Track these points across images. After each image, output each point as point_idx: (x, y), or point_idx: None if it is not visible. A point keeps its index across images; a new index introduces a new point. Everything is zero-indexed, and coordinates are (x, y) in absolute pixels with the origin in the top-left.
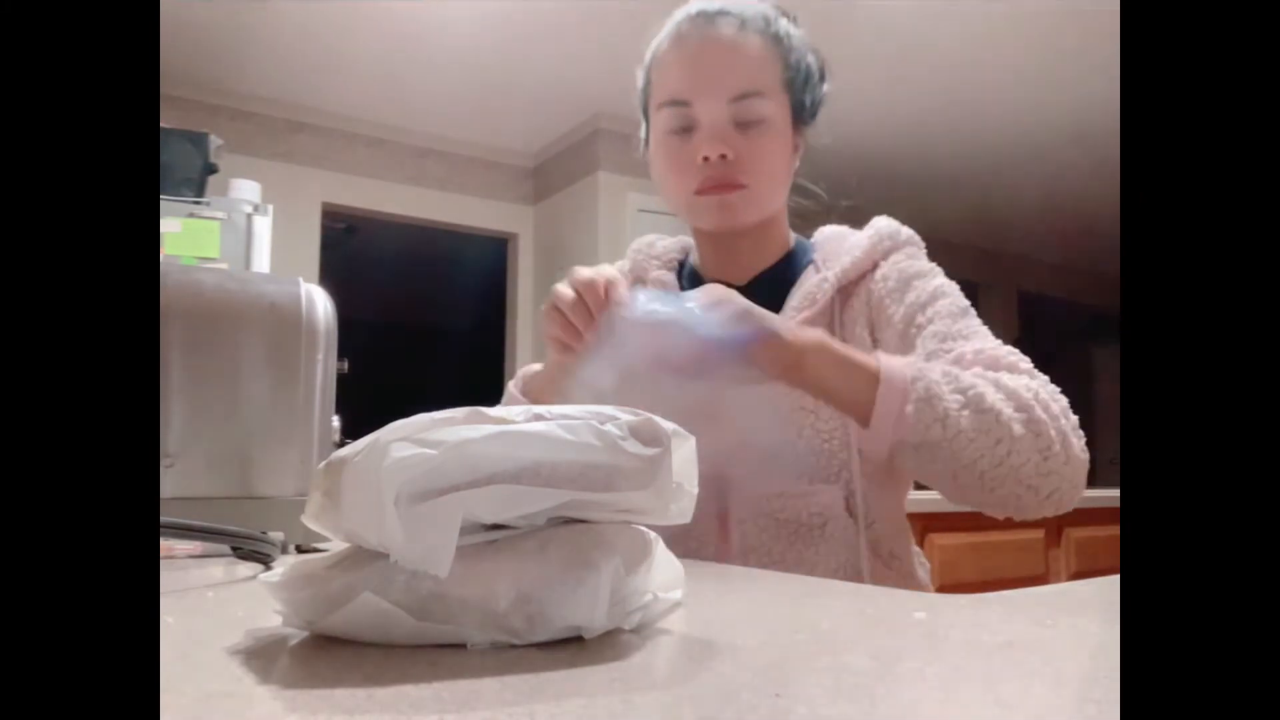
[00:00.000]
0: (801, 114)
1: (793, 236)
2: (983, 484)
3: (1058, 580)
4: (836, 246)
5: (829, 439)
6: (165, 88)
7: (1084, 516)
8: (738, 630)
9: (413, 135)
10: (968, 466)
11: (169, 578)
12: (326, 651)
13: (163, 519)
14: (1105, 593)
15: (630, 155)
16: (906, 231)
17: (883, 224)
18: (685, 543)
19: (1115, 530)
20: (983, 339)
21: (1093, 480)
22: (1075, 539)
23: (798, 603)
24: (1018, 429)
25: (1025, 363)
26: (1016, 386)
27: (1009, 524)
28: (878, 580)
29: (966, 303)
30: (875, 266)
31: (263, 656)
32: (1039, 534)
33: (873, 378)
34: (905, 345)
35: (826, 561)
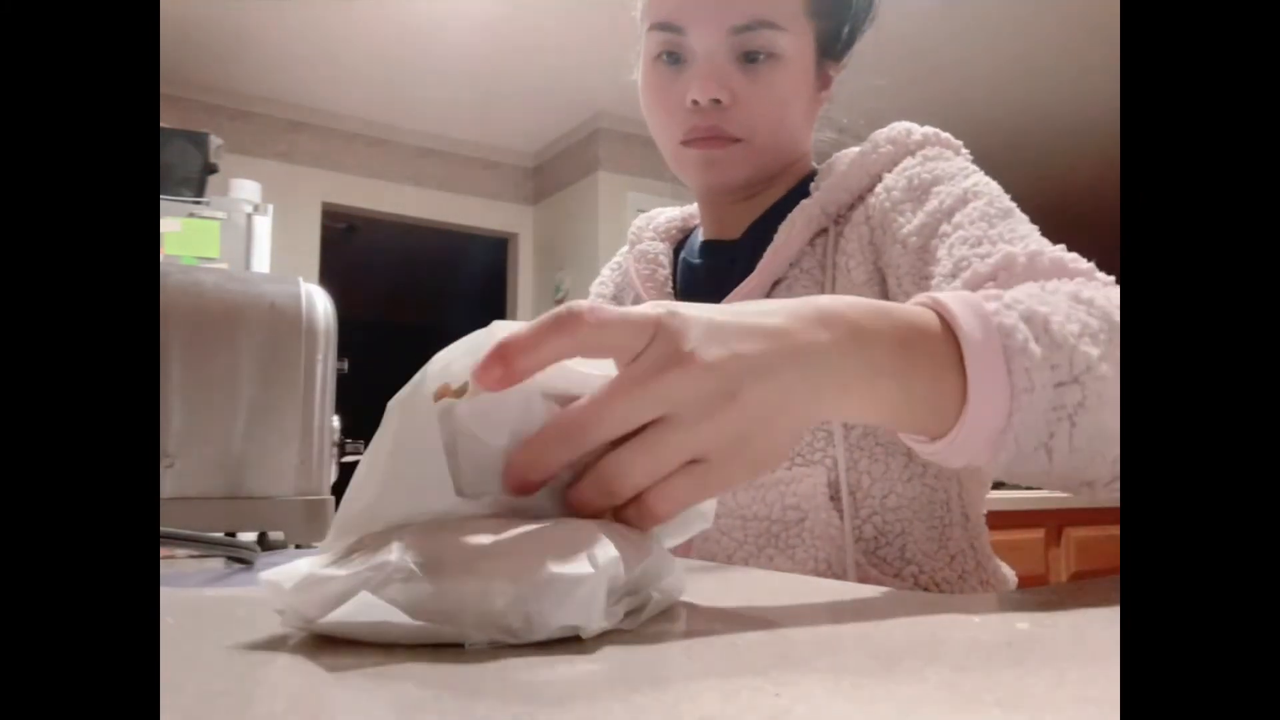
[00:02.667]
0: (833, 45)
1: (809, 170)
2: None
3: (1058, 580)
4: (834, 169)
5: None
6: (165, 88)
7: (1084, 516)
8: (738, 630)
9: (413, 135)
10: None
11: (169, 578)
12: (327, 651)
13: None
14: (1105, 593)
15: (630, 155)
16: (925, 132)
17: (888, 128)
18: None
19: (1115, 530)
20: (1033, 242)
21: None
22: (1075, 539)
23: (798, 602)
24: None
25: (1088, 264)
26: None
27: (1009, 524)
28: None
29: (1009, 204)
30: (879, 182)
31: (263, 656)
32: (1039, 534)
33: (940, 331)
34: (922, 264)
35: (803, 568)
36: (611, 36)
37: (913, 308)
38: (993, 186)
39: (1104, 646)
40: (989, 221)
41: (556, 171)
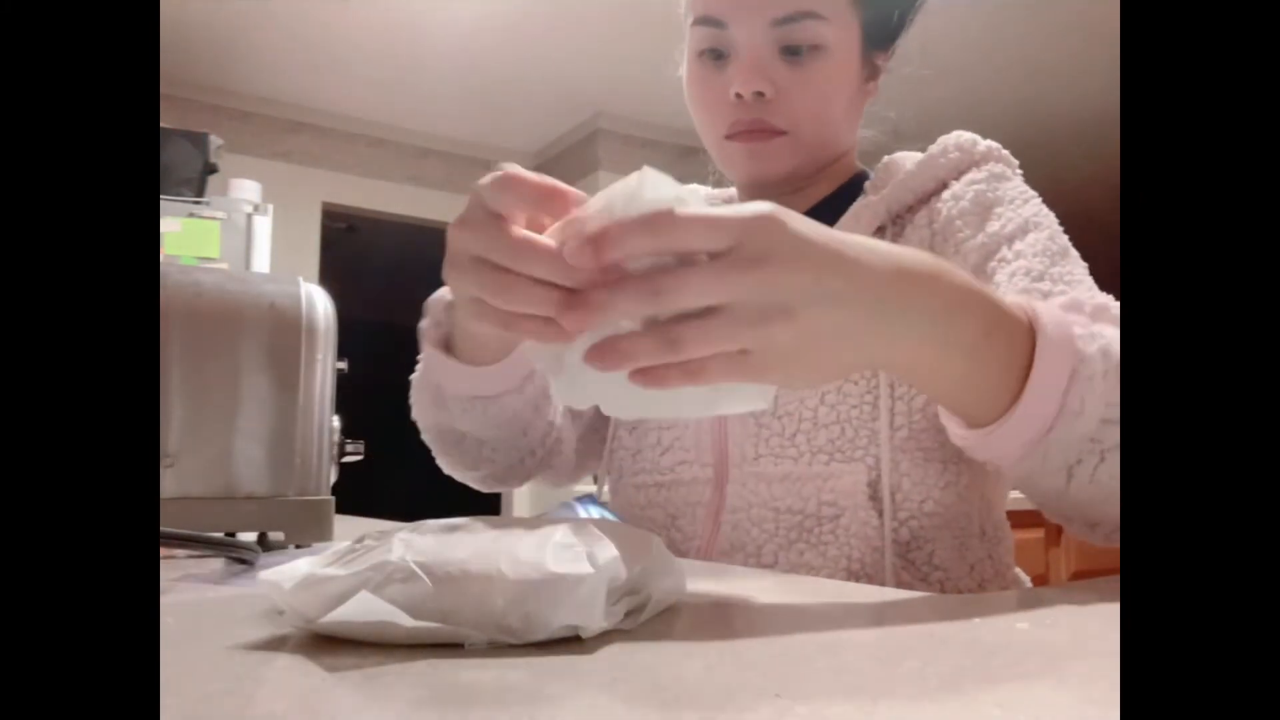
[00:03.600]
0: (880, 36)
1: (856, 168)
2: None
3: (1058, 580)
4: (895, 170)
5: (857, 403)
6: (165, 88)
7: None
8: (738, 630)
9: (413, 135)
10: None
11: (169, 578)
12: (327, 651)
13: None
14: (1105, 593)
15: (630, 155)
16: (989, 144)
17: (954, 136)
18: (669, 534)
19: None
20: (1090, 290)
21: None
22: (1075, 539)
23: (798, 602)
24: None
25: None
26: None
27: (1009, 524)
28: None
29: (1066, 241)
30: (943, 187)
31: (263, 656)
32: (1039, 534)
33: (1024, 333)
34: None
35: (834, 565)
36: (612, 36)
37: (1010, 299)
38: (1051, 218)
39: (1104, 646)
40: (1050, 258)
41: (556, 171)
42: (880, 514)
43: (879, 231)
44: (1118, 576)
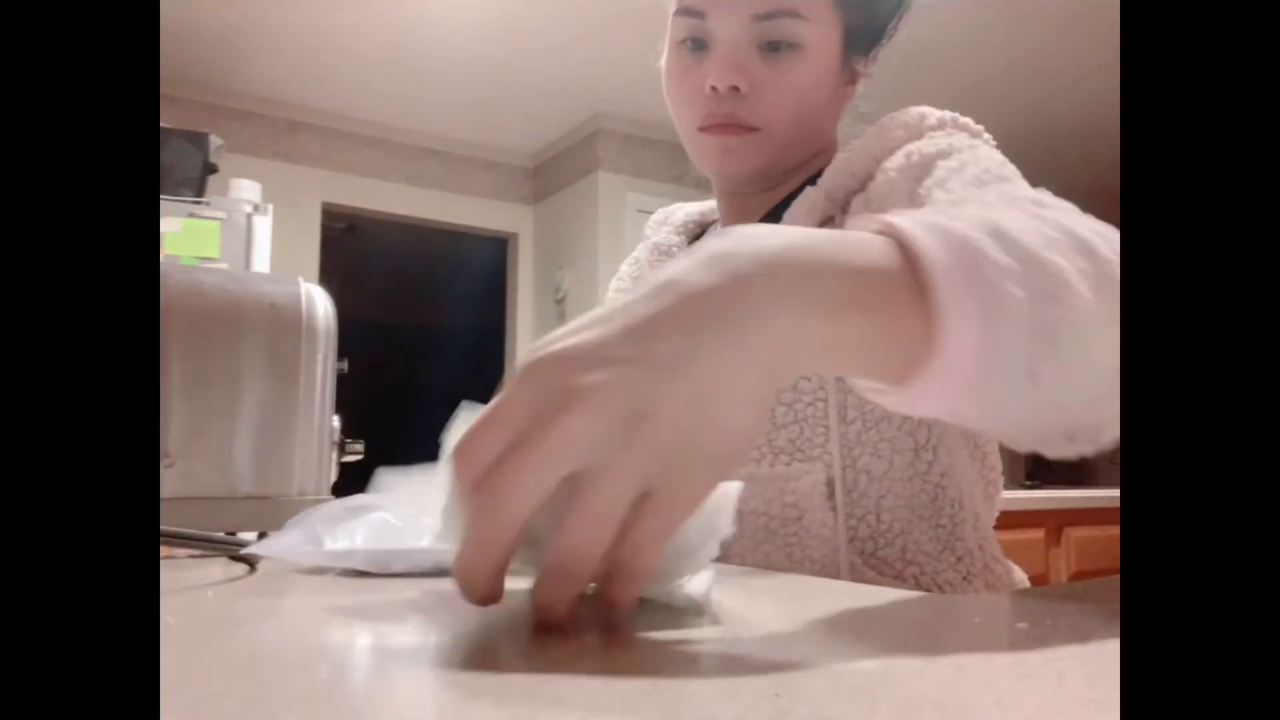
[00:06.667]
0: (861, 41)
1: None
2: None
3: (1058, 580)
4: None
5: (812, 400)
6: (165, 88)
7: (1084, 516)
8: (738, 630)
9: (413, 135)
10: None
11: (169, 578)
12: (327, 651)
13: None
14: (1105, 593)
15: (630, 155)
16: (941, 116)
17: (902, 111)
18: None
19: (1115, 530)
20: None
21: (1093, 480)
22: (1075, 539)
23: (798, 602)
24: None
25: (1061, 202)
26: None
27: (1009, 524)
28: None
29: (1012, 172)
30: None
31: (263, 656)
32: (1039, 534)
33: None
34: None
35: (800, 567)
36: (612, 36)
37: (860, 234)
38: (991, 155)
39: (1104, 646)
40: (977, 184)
41: (556, 171)
42: (834, 511)
43: (827, 222)
44: (1118, 576)
